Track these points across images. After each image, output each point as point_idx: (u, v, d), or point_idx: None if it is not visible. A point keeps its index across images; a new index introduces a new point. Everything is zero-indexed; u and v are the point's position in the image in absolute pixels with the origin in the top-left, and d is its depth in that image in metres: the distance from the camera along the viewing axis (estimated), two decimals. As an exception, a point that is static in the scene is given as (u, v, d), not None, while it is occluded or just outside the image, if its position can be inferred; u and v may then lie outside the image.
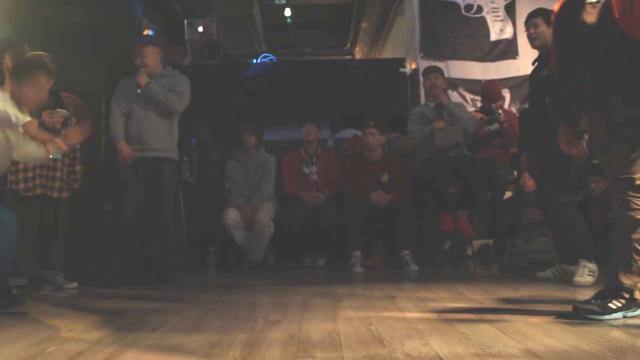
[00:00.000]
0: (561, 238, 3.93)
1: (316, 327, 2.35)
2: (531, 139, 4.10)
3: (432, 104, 5.42)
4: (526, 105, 6.36)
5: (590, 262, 3.63)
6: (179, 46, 8.29)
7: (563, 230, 3.84)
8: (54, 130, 4.03)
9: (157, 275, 4.30)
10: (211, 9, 8.90)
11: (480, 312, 2.64)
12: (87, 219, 5.03)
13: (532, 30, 3.97)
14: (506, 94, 6.92)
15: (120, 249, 4.25)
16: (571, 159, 3.18)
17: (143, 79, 4.29)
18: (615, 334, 2.05)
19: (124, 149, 4.22)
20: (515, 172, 5.45)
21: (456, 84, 6.88)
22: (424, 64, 6.90)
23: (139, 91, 4.28)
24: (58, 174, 4.07)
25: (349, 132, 6.19)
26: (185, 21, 7.93)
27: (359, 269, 4.82)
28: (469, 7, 7.19)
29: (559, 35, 2.76)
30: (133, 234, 4.25)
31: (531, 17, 4.01)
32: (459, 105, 5.60)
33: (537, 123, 3.86)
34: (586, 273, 3.58)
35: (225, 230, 5.15)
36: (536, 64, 4.01)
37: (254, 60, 9.52)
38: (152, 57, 4.37)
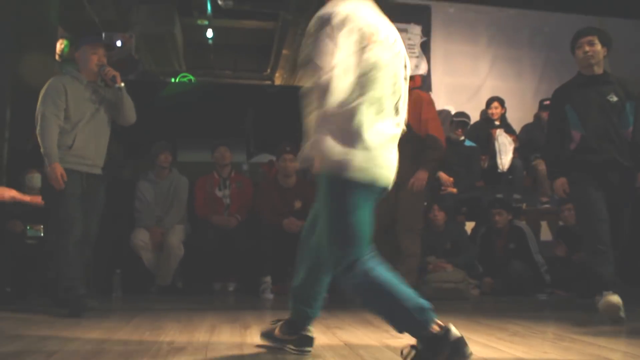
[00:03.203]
0: None
1: (222, 354, 2.32)
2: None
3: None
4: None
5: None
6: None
7: None
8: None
9: (60, 299, 3.81)
10: (131, 24, 8.73)
11: (385, 339, 2.69)
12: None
13: (587, 48, 3.68)
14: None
15: (75, 266, 3.74)
16: None
17: (119, 78, 3.93)
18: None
19: (59, 170, 3.69)
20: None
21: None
22: (342, 94, 7.05)
23: (117, 85, 3.90)
24: None
25: (264, 157, 6.19)
26: (103, 34, 7.72)
27: (269, 295, 4.80)
28: (386, 42, 7.44)
29: None
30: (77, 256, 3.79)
31: (584, 34, 3.72)
32: None
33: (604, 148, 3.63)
34: None
35: (133, 251, 5.00)
36: (587, 85, 3.70)
37: (173, 79, 9.39)
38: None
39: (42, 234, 4.36)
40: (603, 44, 3.68)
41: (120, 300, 4.73)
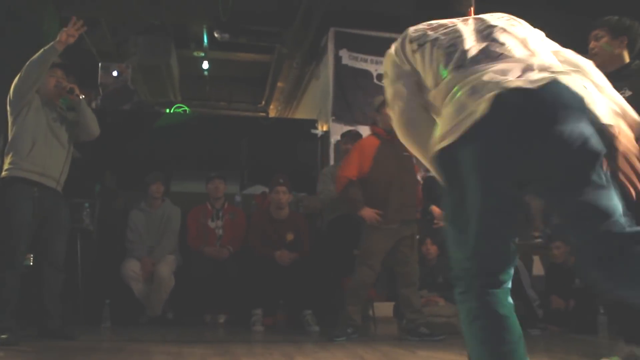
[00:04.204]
0: None
1: (211, 387, 2.29)
2: None
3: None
4: (431, 173, 6.65)
5: None
6: (90, 89, 8.10)
7: None
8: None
9: (48, 329, 3.83)
10: (128, 54, 8.80)
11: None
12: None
13: (592, 45, 3.24)
14: (411, 161, 7.22)
15: (7, 298, 3.61)
16: None
17: (78, 89, 3.97)
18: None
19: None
20: (417, 237, 5.62)
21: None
22: (335, 127, 7.13)
23: (76, 94, 3.93)
24: None
25: (258, 189, 6.20)
26: (99, 64, 7.79)
27: (259, 328, 4.75)
28: (380, 77, 7.53)
29: None
30: (19, 279, 3.71)
31: (592, 29, 3.28)
32: None
33: None
34: None
35: (123, 281, 4.96)
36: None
37: (168, 110, 9.43)
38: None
39: (30, 263, 4.31)
40: (614, 36, 3.20)
41: (110, 331, 4.67)
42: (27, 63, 3.78)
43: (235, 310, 5.21)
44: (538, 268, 6.15)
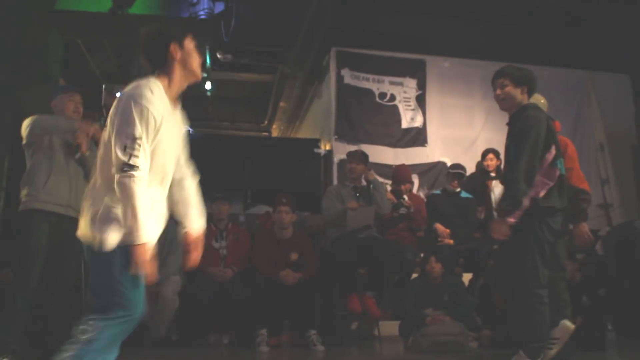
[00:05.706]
0: None
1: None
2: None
3: (350, 185, 5.58)
4: (434, 191, 6.66)
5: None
6: (94, 110, 8.15)
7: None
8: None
9: (54, 351, 3.83)
10: (131, 76, 8.86)
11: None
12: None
13: (498, 92, 3.54)
14: (415, 179, 7.23)
15: (17, 319, 3.63)
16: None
17: (84, 141, 3.83)
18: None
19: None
20: (422, 255, 5.61)
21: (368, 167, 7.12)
22: (338, 145, 7.14)
23: (77, 156, 3.83)
24: None
25: (261, 208, 6.20)
26: (103, 86, 7.85)
27: (264, 348, 4.71)
28: (382, 95, 7.56)
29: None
30: (30, 301, 3.71)
31: (497, 77, 3.58)
32: (381, 185, 5.74)
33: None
34: None
35: (127, 303, 4.93)
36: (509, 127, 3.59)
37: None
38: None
39: None
40: (517, 84, 3.49)
41: (113, 353, 4.63)
42: (45, 118, 3.87)
43: (239, 330, 5.17)
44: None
